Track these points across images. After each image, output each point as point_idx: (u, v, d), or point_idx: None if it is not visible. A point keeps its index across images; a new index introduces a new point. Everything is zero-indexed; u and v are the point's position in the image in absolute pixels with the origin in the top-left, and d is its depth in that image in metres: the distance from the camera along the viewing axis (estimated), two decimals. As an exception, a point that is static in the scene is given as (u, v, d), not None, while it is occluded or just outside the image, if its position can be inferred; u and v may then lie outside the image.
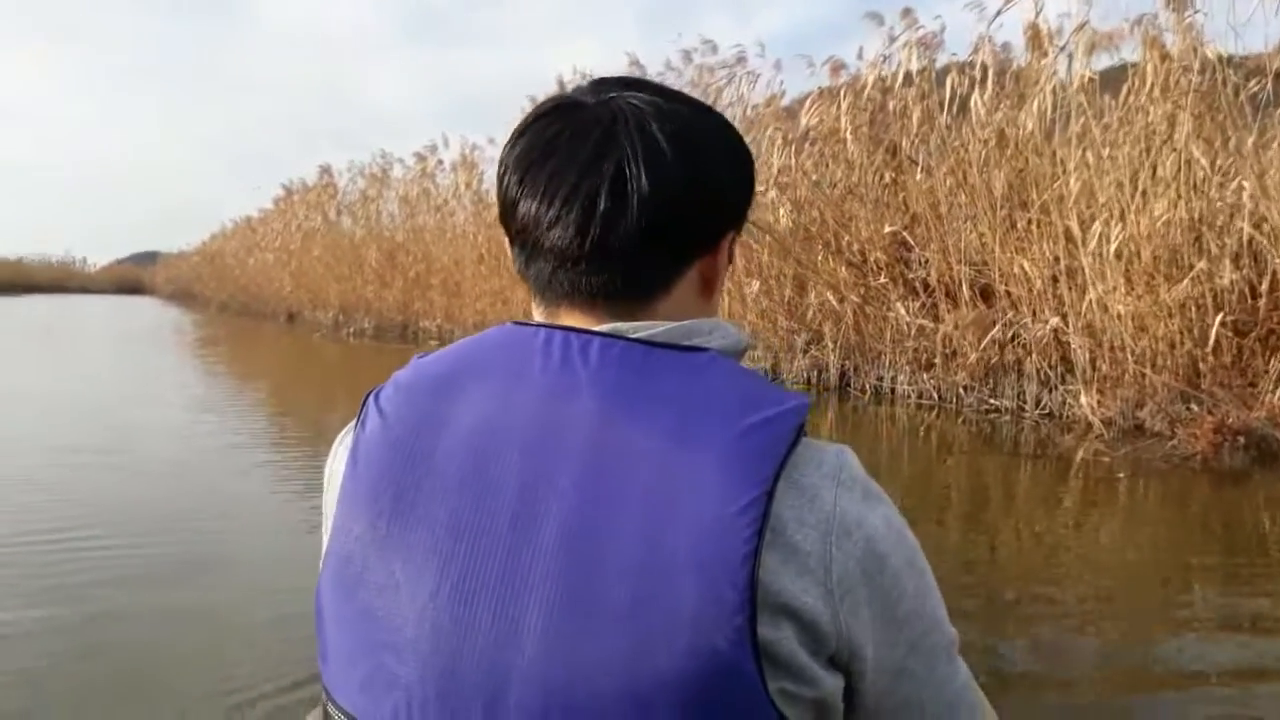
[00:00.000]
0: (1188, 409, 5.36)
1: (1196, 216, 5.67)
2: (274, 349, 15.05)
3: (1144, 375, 5.66)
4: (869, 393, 7.58)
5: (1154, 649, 2.54)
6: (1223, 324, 5.38)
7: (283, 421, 6.78)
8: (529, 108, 0.71)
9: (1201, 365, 5.53)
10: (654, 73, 10.07)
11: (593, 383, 0.60)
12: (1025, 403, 6.47)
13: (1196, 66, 5.78)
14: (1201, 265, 5.50)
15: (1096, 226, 5.86)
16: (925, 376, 7.15)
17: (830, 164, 8.33)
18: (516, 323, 0.67)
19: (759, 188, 8.38)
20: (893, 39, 7.70)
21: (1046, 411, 6.32)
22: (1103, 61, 6.32)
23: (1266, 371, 5.33)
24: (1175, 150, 5.70)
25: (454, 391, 0.64)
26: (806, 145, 8.49)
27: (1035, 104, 6.46)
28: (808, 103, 8.42)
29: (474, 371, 0.64)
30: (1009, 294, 6.60)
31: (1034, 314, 6.38)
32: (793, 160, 8.41)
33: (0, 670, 2.20)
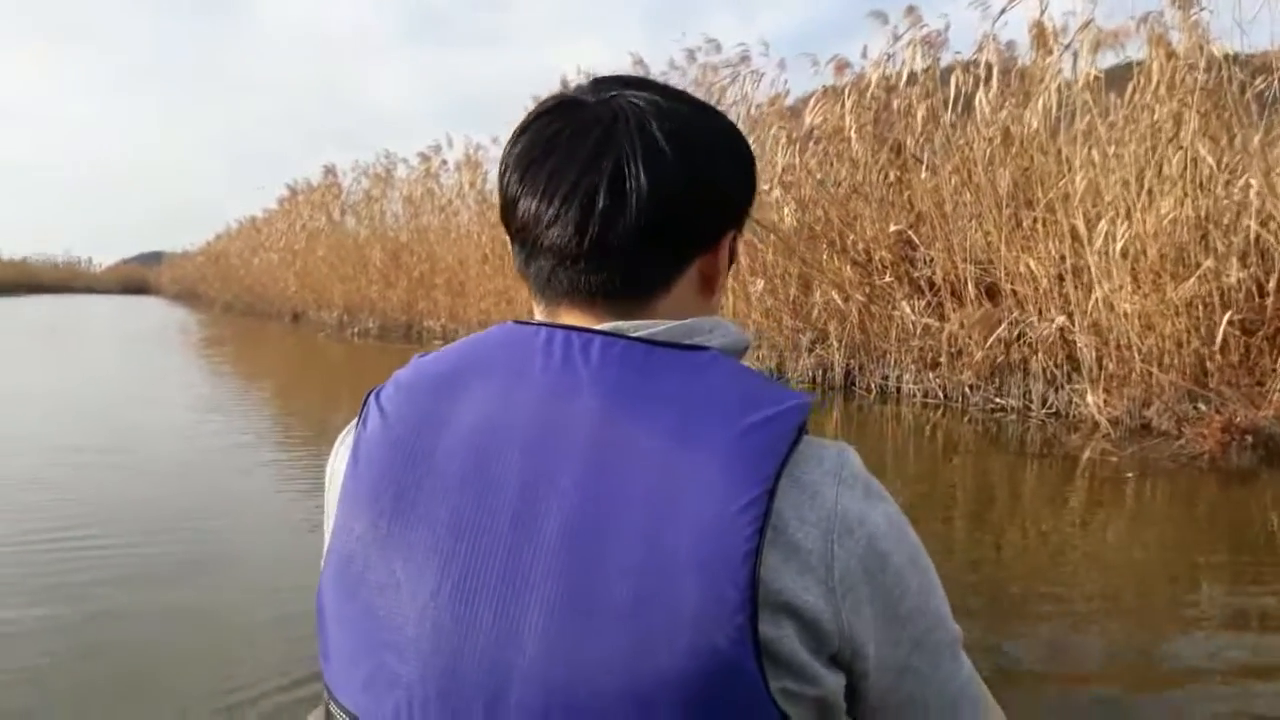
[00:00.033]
0: (1195, 408, 5.34)
1: (1203, 214, 5.64)
2: (279, 349, 15.08)
3: (1151, 374, 5.63)
4: (874, 392, 7.57)
5: (1161, 647, 2.53)
6: (1230, 322, 5.35)
7: (287, 421, 6.79)
8: (532, 107, 0.71)
9: (1209, 364, 5.50)
10: (658, 72, 10.08)
11: (594, 381, 0.60)
12: (1031, 402, 6.45)
13: (1202, 64, 5.74)
14: (1208, 263, 5.47)
15: (1102, 225, 5.84)
16: (931, 375, 7.13)
17: (835, 163, 8.32)
18: (517, 322, 0.67)
19: (763, 186, 8.40)
20: (897, 37, 7.69)
21: (1053, 411, 6.30)
22: (1108, 60, 6.31)
23: (1274, 370, 5.30)
24: (1181, 148, 5.68)
25: (455, 390, 0.64)
26: (811, 144, 8.48)
27: (1040, 102, 6.44)
28: (812, 101, 8.41)
29: (475, 370, 0.64)
30: (1015, 293, 6.58)
31: (1040, 313, 6.36)
32: (797, 159, 8.39)
33: (2, 669, 2.21)
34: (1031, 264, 6.40)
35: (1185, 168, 5.67)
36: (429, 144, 19.04)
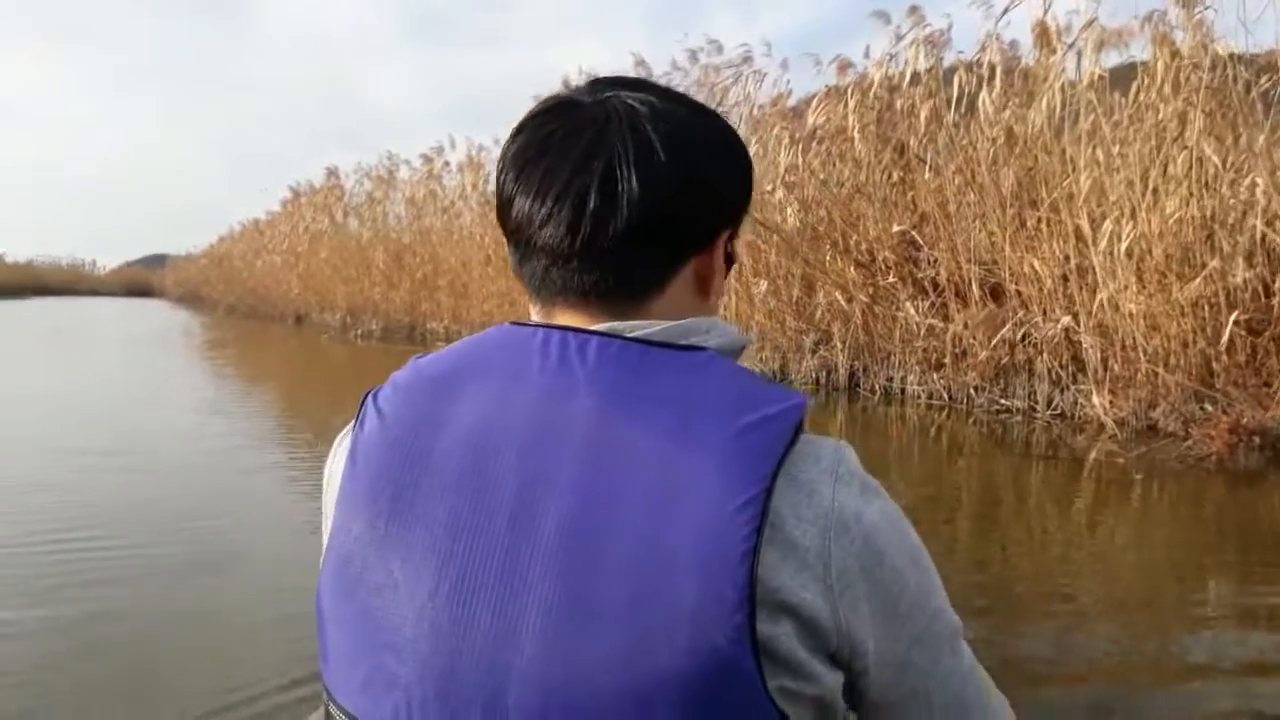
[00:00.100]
0: (1202, 409, 5.32)
1: (1208, 214, 5.62)
2: (282, 351, 15.10)
3: (1157, 375, 5.61)
4: (878, 393, 7.55)
5: (1168, 646, 2.52)
6: (1236, 323, 5.33)
7: (290, 423, 6.79)
8: (533, 106, 0.71)
9: (1215, 364, 5.48)
10: (660, 73, 10.07)
11: (591, 382, 0.61)
12: (1036, 403, 6.42)
13: (1207, 63, 5.73)
14: (1214, 263, 5.45)
15: (1107, 225, 5.82)
16: (935, 376, 7.11)
17: (838, 163, 8.31)
18: (514, 323, 0.67)
19: (766, 187, 8.40)
20: (900, 37, 7.68)
21: (1058, 412, 6.28)
22: (1112, 59, 6.29)
23: (1281, 370, 5.28)
24: (1186, 148, 5.66)
25: (452, 391, 0.64)
26: (814, 144, 8.47)
27: (1044, 102, 6.42)
28: (815, 101, 8.40)
29: (472, 371, 0.65)
30: (1019, 293, 6.56)
31: (1045, 313, 6.34)
32: (800, 160, 8.38)
33: (3, 669, 2.21)
34: (1036, 264, 6.38)
35: (1190, 167, 5.65)
36: (431, 145, 19.09)
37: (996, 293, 6.82)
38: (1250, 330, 5.47)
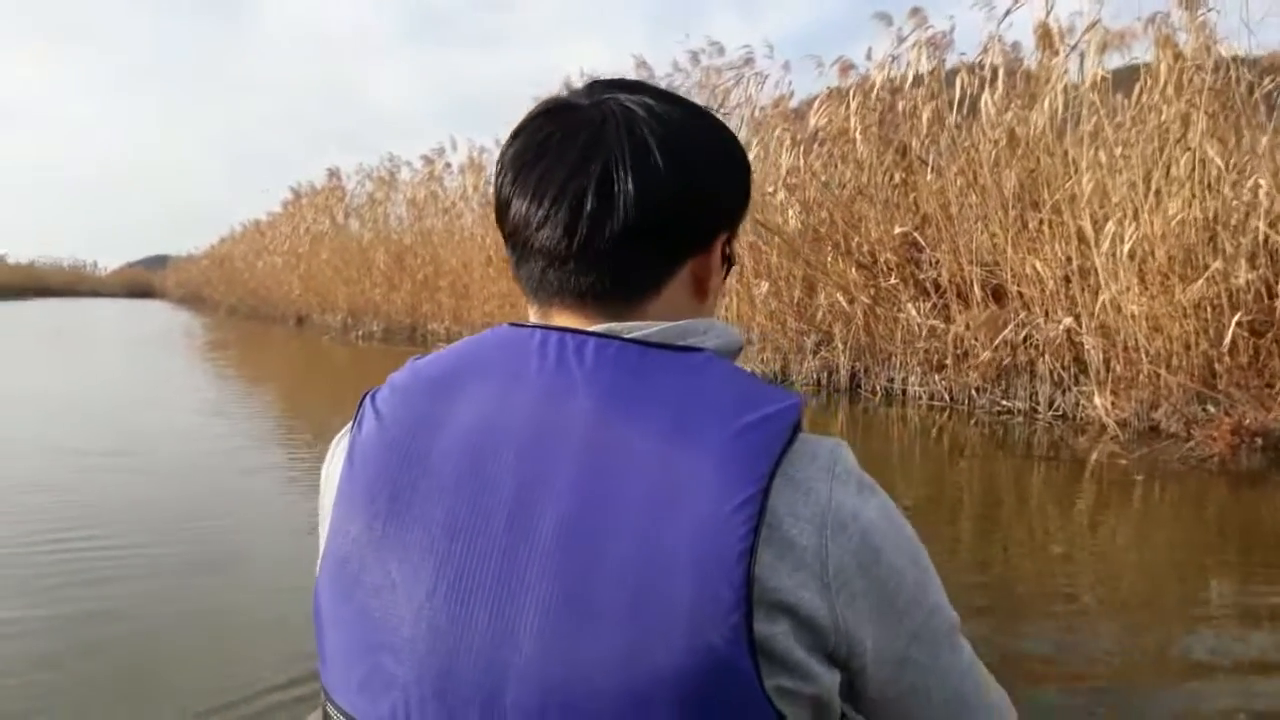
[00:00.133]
0: (1204, 410, 5.31)
1: (1211, 216, 5.61)
2: (283, 352, 15.09)
3: (1159, 376, 5.60)
4: (880, 394, 7.54)
5: (1169, 644, 2.52)
6: (1239, 324, 5.31)
7: (291, 424, 6.78)
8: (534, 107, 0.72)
9: (1217, 366, 5.47)
10: (661, 74, 10.07)
11: (588, 383, 0.61)
12: (1038, 404, 6.41)
13: (1210, 65, 5.72)
14: (1217, 265, 5.44)
15: (1110, 226, 5.81)
16: (937, 378, 7.11)
17: (839, 164, 8.30)
18: (512, 324, 0.67)
19: (768, 189, 8.40)
20: (901, 39, 7.67)
21: (1060, 413, 6.27)
22: (1114, 61, 6.28)
23: (1283, 372, 5.27)
24: (1189, 149, 5.65)
25: (450, 392, 0.64)
26: (815, 146, 8.46)
27: (1046, 103, 6.41)
28: (817, 103, 8.39)
29: (470, 373, 0.65)
30: (1021, 294, 6.55)
31: (1047, 314, 6.33)
32: (802, 161, 8.38)
33: (4, 669, 2.20)
34: (1038, 265, 6.37)
35: (1193, 169, 5.64)
36: (433, 146, 19.11)
37: (998, 294, 6.81)
38: (1253, 332, 5.46)
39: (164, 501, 4.02)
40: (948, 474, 5.07)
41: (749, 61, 9.48)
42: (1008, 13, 6.80)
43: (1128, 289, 5.74)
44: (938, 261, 7.15)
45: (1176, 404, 5.45)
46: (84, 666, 2.23)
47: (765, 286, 8.30)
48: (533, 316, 0.70)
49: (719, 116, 0.74)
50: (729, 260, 0.72)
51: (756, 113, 9.29)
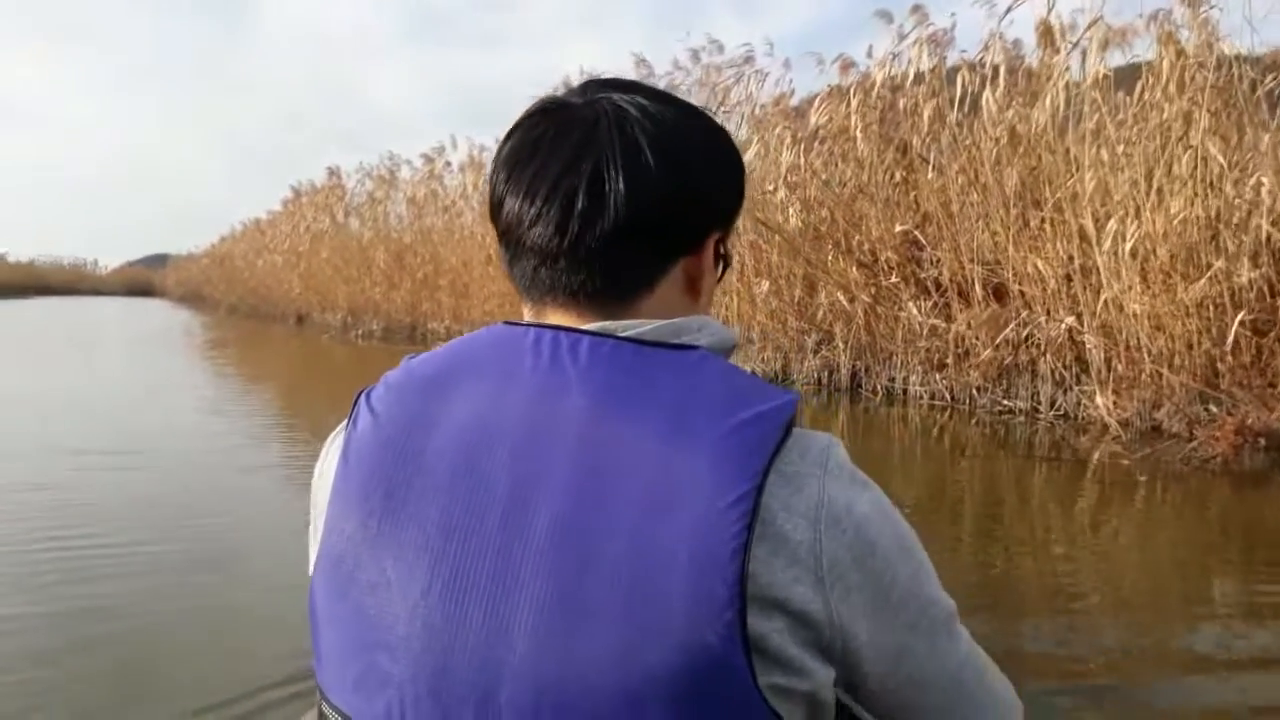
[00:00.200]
0: (1206, 410, 5.29)
1: (1214, 214, 5.59)
2: (283, 351, 15.09)
3: (1161, 375, 5.58)
4: (881, 394, 7.53)
5: (1171, 641, 2.52)
6: (1241, 323, 5.30)
7: (290, 422, 6.77)
8: None
9: (1220, 365, 5.45)
10: (662, 72, 10.05)
11: (583, 381, 0.61)
12: (1039, 404, 6.40)
13: (1212, 62, 5.70)
14: (1219, 263, 5.42)
15: (1111, 224, 5.79)
16: (938, 377, 7.09)
17: (840, 163, 8.29)
18: (507, 322, 0.67)
19: (768, 187, 8.38)
20: (902, 36, 7.65)
21: (1061, 413, 6.25)
22: (1116, 59, 6.27)
23: (1286, 371, 5.25)
24: (1191, 147, 5.63)
25: (445, 391, 0.64)
26: (816, 144, 8.45)
27: (1048, 101, 6.39)
28: (817, 101, 8.38)
29: (465, 371, 0.65)
30: (1022, 293, 6.53)
31: (1048, 313, 6.31)
32: (802, 159, 8.36)
33: (1, 666, 2.20)
34: (1039, 264, 6.35)
35: (1195, 167, 5.62)
36: (433, 145, 19.12)
37: (999, 293, 6.80)
38: (1255, 331, 5.44)
39: (162, 499, 4.01)
40: (949, 474, 5.05)
41: (749, 59, 9.47)
42: (1009, 10, 6.79)
43: (1130, 288, 5.72)
44: (939, 260, 7.13)
45: (1179, 404, 5.43)
46: (81, 663, 2.23)
47: (766, 285, 8.29)
48: (527, 315, 0.70)
49: (716, 116, 0.76)
50: (724, 259, 0.72)
51: (757, 111, 9.28)
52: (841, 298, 7.69)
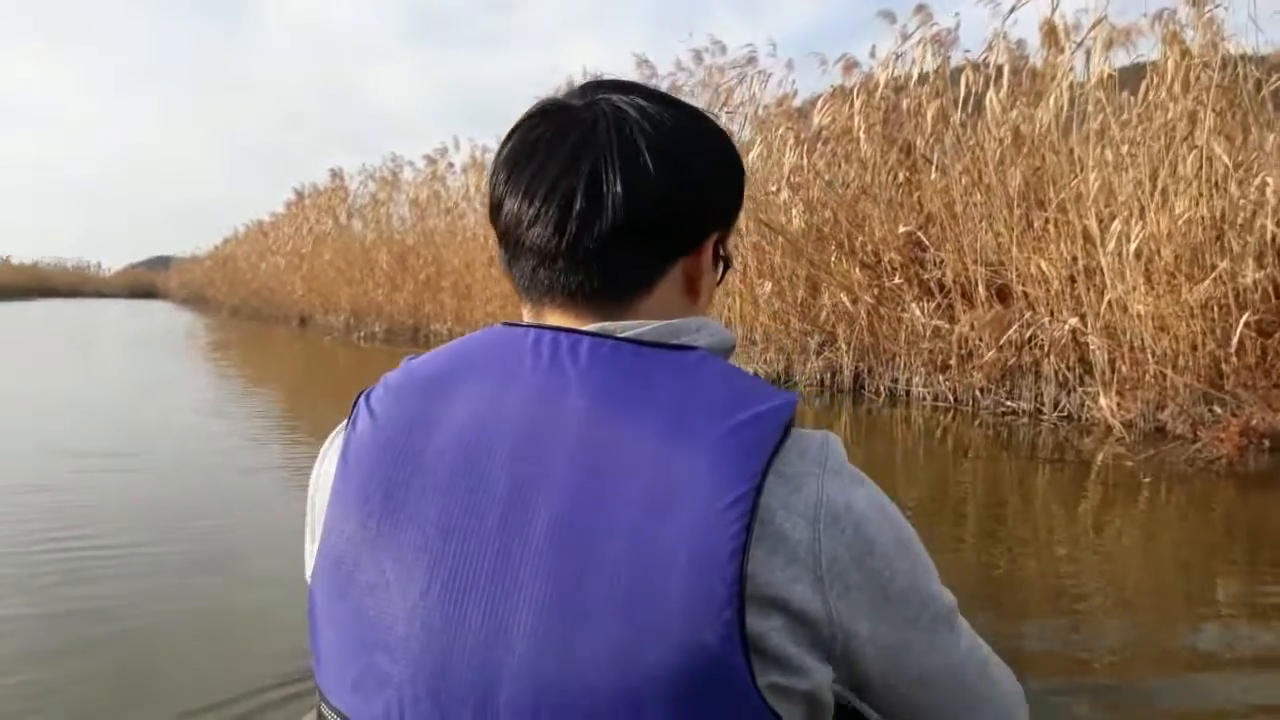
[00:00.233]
0: (1211, 411, 5.27)
1: (1218, 214, 5.57)
2: (286, 353, 15.09)
3: (1165, 377, 5.56)
4: (883, 395, 7.51)
5: (1174, 640, 2.51)
6: (1246, 324, 5.27)
7: (291, 424, 6.77)
8: None
9: (1224, 366, 5.43)
10: (664, 73, 10.04)
11: (582, 381, 0.61)
12: (1043, 405, 6.38)
13: (1217, 62, 5.68)
14: (1224, 264, 5.40)
15: (1116, 225, 5.77)
16: (941, 378, 7.07)
17: (843, 164, 8.28)
18: (507, 323, 0.68)
19: (771, 188, 8.37)
20: (906, 37, 7.64)
21: (1065, 414, 6.23)
22: (1121, 59, 6.25)
23: (1291, 372, 5.23)
24: (1196, 147, 5.61)
25: (444, 391, 0.64)
26: (819, 145, 8.44)
27: (1052, 101, 6.38)
28: (820, 102, 8.37)
29: (464, 372, 0.65)
30: (1026, 294, 6.51)
31: (1052, 314, 6.29)
32: (805, 160, 8.35)
33: (1, 668, 2.19)
34: (1043, 265, 6.33)
35: (1200, 167, 5.60)
36: (435, 147, 19.14)
37: (1003, 294, 6.78)
38: (1260, 332, 5.42)
39: (162, 501, 4.00)
40: (952, 475, 5.03)
41: (752, 60, 9.46)
42: (1013, 9, 6.77)
43: (1134, 288, 5.70)
44: (942, 261, 7.11)
45: (1183, 405, 5.41)
46: (81, 665, 2.22)
47: (769, 286, 8.27)
48: (526, 316, 0.70)
49: (718, 117, 0.75)
50: (724, 260, 0.73)
51: (760, 111, 9.27)
52: (844, 299, 7.67)
